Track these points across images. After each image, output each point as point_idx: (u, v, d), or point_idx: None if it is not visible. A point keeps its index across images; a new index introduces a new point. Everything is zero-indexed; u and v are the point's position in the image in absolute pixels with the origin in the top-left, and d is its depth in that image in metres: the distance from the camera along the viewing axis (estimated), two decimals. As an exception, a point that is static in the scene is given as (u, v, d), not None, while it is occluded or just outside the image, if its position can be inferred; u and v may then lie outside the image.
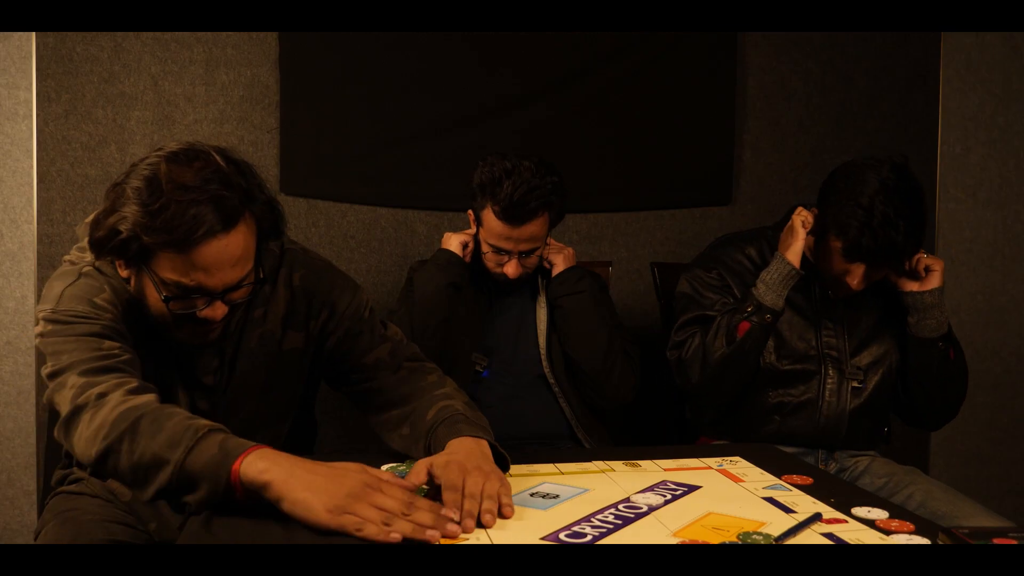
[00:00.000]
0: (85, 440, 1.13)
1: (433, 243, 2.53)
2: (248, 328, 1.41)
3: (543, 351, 2.02)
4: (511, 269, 1.93)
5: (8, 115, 2.30)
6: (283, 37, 2.39)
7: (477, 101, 2.50)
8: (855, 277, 1.76)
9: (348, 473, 1.08)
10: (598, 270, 2.37)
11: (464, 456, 1.19)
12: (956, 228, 2.85)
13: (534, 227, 1.89)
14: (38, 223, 2.32)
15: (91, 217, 1.32)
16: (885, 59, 2.76)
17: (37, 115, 2.30)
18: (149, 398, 1.16)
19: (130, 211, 1.17)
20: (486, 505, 1.09)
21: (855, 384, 1.87)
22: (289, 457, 1.09)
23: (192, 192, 1.17)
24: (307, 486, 1.05)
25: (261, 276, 1.30)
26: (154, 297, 1.24)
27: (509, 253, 1.92)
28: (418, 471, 1.18)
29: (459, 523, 1.05)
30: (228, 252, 1.21)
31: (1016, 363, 2.88)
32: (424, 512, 1.05)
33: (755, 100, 2.71)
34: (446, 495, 1.11)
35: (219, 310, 1.25)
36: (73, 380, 1.18)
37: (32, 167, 2.31)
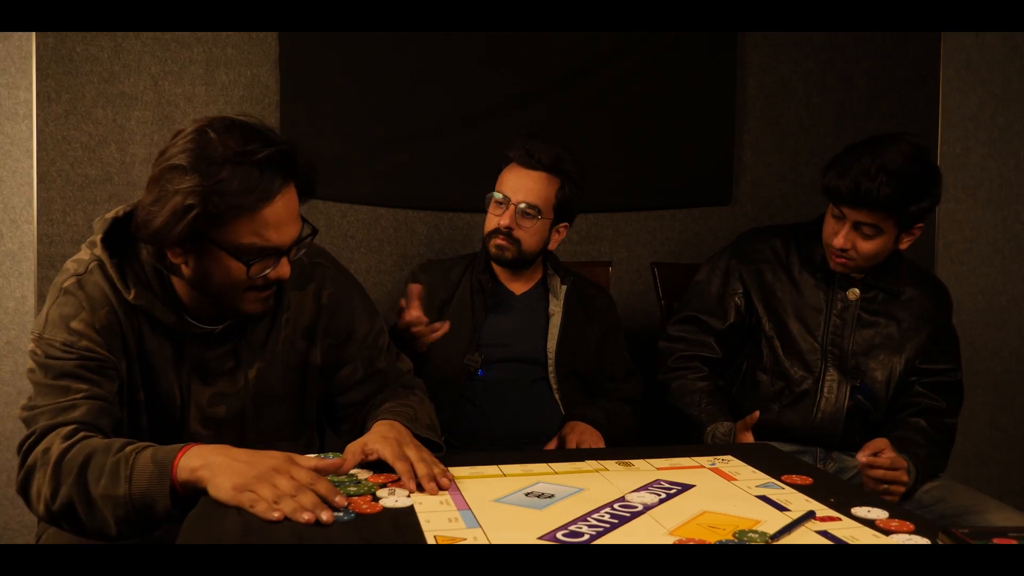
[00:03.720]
0: (44, 498, 1.19)
1: (433, 243, 2.53)
2: (274, 333, 1.42)
3: (551, 355, 2.02)
4: (505, 219, 1.96)
5: (8, 115, 2.30)
6: (283, 37, 2.39)
7: (477, 101, 2.50)
8: (839, 234, 1.80)
9: (264, 458, 1.14)
10: (598, 270, 2.37)
11: (394, 433, 1.29)
12: (956, 228, 2.85)
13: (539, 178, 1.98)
14: (38, 223, 2.32)
15: (111, 214, 1.33)
16: (885, 59, 2.76)
17: (37, 115, 2.30)
18: (82, 445, 1.19)
19: (192, 186, 1.18)
20: (436, 470, 1.21)
21: (855, 384, 1.87)
22: (218, 448, 1.16)
23: (249, 155, 1.20)
24: (225, 469, 1.12)
25: (313, 229, 1.34)
26: (223, 270, 1.25)
27: (507, 201, 1.97)
28: (353, 453, 1.25)
29: (342, 507, 1.10)
30: (292, 206, 1.27)
31: (1016, 363, 2.88)
32: (307, 495, 1.09)
33: (755, 100, 2.71)
34: (397, 465, 1.21)
35: (286, 268, 1.30)
36: (37, 426, 1.24)
37: (32, 167, 2.31)
